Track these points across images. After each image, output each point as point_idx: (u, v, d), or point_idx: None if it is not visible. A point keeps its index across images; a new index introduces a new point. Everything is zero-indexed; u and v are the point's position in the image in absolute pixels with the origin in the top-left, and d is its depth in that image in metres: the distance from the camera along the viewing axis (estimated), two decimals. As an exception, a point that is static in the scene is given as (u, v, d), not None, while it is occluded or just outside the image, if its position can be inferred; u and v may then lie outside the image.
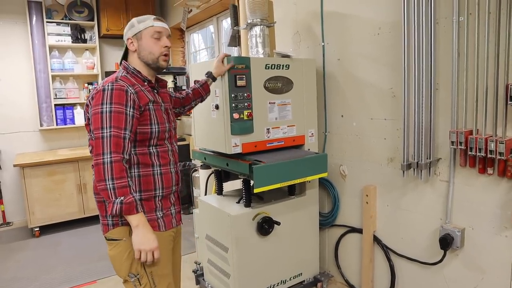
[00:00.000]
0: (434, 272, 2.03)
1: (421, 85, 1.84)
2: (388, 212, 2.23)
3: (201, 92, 2.07)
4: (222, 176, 2.56)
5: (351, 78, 2.37)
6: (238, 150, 2.15)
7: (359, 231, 2.42)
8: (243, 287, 2.25)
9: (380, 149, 2.24)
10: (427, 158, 1.89)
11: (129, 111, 1.47)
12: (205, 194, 3.09)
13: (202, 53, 5.03)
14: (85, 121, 1.59)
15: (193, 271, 2.77)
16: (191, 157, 4.66)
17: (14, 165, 3.88)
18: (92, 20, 4.59)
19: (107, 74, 4.95)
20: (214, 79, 2.08)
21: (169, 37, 1.67)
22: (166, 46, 1.62)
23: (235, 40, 3.05)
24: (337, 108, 2.50)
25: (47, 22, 4.33)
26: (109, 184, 1.39)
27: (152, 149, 1.58)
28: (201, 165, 2.58)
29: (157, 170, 1.59)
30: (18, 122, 4.44)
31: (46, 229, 4.07)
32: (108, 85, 1.48)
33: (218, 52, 4.43)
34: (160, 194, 1.61)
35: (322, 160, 2.29)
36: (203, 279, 2.64)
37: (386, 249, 2.25)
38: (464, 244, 1.87)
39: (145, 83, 1.61)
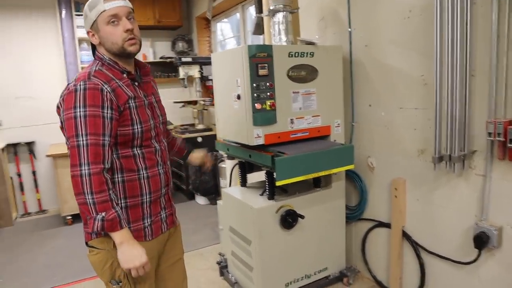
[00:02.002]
0: (468, 272, 1.90)
1: (455, 71, 1.70)
2: (419, 207, 2.12)
3: (173, 146, 1.84)
4: (246, 168, 2.52)
5: (379, 65, 2.24)
6: (261, 141, 2.09)
7: (388, 225, 2.31)
8: (266, 280, 2.21)
9: (410, 140, 2.12)
10: (461, 151, 1.76)
11: (107, 113, 1.29)
12: (229, 185, 3.07)
13: (231, 41, 4.96)
14: (59, 123, 1.38)
15: (217, 263, 2.76)
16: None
17: (47, 156, 4.01)
18: (120, 11, 4.63)
19: (135, 65, 5.00)
20: (185, 158, 1.90)
21: (131, 13, 1.40)
22: (128, 30, 1.36)
23: (259, 28, 2.97)
24: (365, 97, 2.38)
25: (76, 15, 4.41)
26: (88, 199, 1.25)
27: (137, 150, 1.41)
28: (227, 156, 2.54)
29: (143, 173, 1.42)
30: (50, 114, 4.51)
31: (78, 218, 4.19)
32: (79, 85, 1.28)
33: (244, 40, 4.37)
34: (148, 199, 1.45)
35: (348, 152, 2.20)
36: (227, 271, 2.63)
37: (415, 246, 2.14)
38: (502, 243, 1.73)
39: (124, 75, 1.40)
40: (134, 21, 1.42)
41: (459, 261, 1.92)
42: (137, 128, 1.38)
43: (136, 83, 1.46)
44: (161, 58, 5.09)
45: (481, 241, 1.73)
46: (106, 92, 1.30)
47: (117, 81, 1.36)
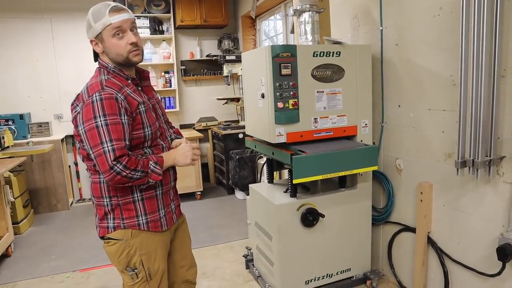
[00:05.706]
0: (493, 285, 1.79)
1: (480, 71, 1.61)
2: (445, 212, 2.03)
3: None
4: (273, 165, 2.57)
5: (409, 65, 2.17)
6: (282, 139, 2.13)
7: (413, 230, 2.24)
8: (285, 275, 2.25)
9: (438, 143, 2.03)
10: (486, 156, 1.66)
11: (124, 119, 1.38)
12: (259, 181, 3.13)
13: (280, 38, 4.95)
14: (73, 130, 1.50)
15: (243, 256, 2.84)
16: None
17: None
18: (169, 12, 4.86)
19: (182, 63, 5.22)
20: None
21: (134, 24, 1.46)
22: (132, 43, 1.43)
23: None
24: (395, 98, 2.32)
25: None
26: (131, 174, 1.37)
27: (147, 149, 1.51)
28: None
29: None
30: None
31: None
32: (95, 96, 1.35)
33: (286, 40, 4.38)
34: (160, 191, 1.56)
35: (371, 153, 2.16)
36: (253, 265, 2.70)
37: (440, 253, 2.05)
38: (529, 256, 1.62)
39: (129, 81, 1.48)
40: (137, 31, 1.49)
41: (483, 272, 1.82)
42: (148, 130, 1.48)
43: (139, 88, 1.54)
44: (207, 56, 5.26)
45: (504, 253, 1.62)
46: (121, 100, 1.38)
47: (126, 88, 1.44)
